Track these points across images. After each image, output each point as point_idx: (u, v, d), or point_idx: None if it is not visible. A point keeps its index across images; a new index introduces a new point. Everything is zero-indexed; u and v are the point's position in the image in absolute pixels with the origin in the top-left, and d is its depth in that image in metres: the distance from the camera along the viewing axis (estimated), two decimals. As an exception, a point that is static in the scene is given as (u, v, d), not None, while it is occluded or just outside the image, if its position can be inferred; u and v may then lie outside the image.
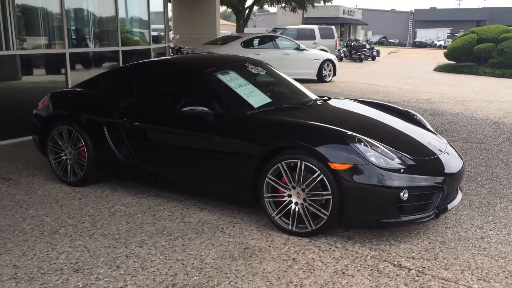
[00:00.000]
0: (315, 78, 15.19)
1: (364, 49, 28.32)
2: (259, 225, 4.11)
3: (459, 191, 4.28)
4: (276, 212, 3.94)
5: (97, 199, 4.72)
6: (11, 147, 6.72)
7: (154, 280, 3.23)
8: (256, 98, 4.50)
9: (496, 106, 10.82)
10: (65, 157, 5.09)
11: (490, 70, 18.51)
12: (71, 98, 5.33)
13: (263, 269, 3.38)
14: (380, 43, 61.39)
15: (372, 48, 29.93)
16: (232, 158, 4.14)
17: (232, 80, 4.61)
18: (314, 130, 3.91)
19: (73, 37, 8.53)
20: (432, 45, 64.17)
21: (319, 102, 4.93)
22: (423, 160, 3.93)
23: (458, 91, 13.45)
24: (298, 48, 14.90)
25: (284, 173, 3.83)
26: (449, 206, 4.00)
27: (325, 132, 3.87)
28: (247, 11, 24.90)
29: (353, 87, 14.19)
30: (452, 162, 4.13)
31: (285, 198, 3.89)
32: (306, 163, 3.72)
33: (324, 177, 3.66)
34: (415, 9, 76.58)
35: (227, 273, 3.32)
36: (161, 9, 11.62)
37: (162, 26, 11.61)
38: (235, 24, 27.51)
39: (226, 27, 45.08)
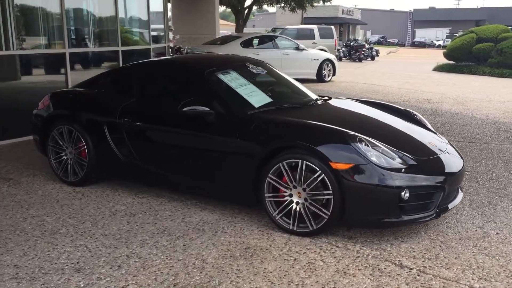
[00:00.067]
0: (315, 78, 15.19)
1: (363, 49, 28.32)
2: (260, 225, 4.11)
3: (460, 191, 4.28)
4: (277, 211, 3.94)
5: (97, 199, 4.72)
6: (11, 147, 6.72)
7: (155, 280, 3.23)
8: (257, 98, 4.50)
9: (495, 106, 10.83)
10: (65, 157, 5.09)
11: (489, 69, 18.53)
12: (71, 98, 5.33)
13: (265, 268, 3.38)
14: (379, 43, 61.42)
15: (371, 48, 29.92)
16: (233, 158, 4.14)
17: (233, 80, 4.62)
18: (315, 130, 3.91)
19: (73, 37, 8.53)
20: (431, 45, 64.21)
21: (319, 102, 4.93)
22: (424, 159, 3.93)
23: (458, 91, 13.46)
24: (297, 48, 14.90)
25: (285, 173, 3.83)
26: (450, 205, 4.01)
27: (326, 132, 3.87)
28: (246, 11, 24.91)
29: (352, 87, 14.19)
30: (452, 161, 4.13)
31: (286, 198, 3.89)
32: (307, 162, 3.72)
33: (325, 177, 3.67)
34: (414, 9, 76.65)
35: (228, 273, 3.32)
36: (160, 9, 11.61)
37: (162, 26, 11.60)
38: (234, 24, 27.53)
39: (225, 27, 45.13)
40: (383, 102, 5.37)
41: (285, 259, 3.51)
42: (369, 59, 29.09)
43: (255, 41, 14.85)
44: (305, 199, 3.80)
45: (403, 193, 3.61)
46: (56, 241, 3.79)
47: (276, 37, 15.41)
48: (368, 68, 22.44)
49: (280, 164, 3.84)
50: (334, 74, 15.78)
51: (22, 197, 4.77)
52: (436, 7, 79.80)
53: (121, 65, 8.87)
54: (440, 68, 20.64)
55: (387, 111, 4.98)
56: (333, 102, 5.05)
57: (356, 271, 3.35)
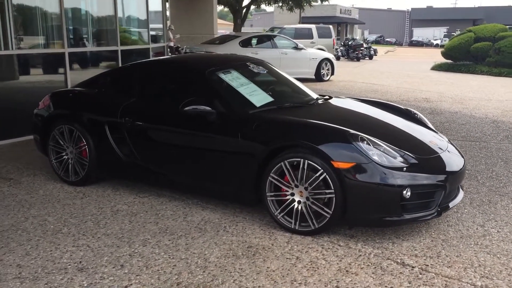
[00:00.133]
0: (313, 77, 15.21)
1: (361, 48, 28.36)
2: (262, 224, 4.12)
3: (461, 190, 4.30)
4: (279, 210, 3.94)
5: (99, 199, 4.72)
6: (11, 147, 6.71)
7: (158, 279, 3.23)
8: (258, 97, 4.51)
9: (494, 105, 10.86)
10: (66, 157, 5.09)
11: (487, 69, 18.56)
12: (72, 97, 5.33)
13: (267, 267, 3.39)
14: (377, 42, 61.42)
15: (370, 47, 29.98)
16: (235, 157, 4.14)
17: (234, 79, 4.62)
18: (317, 129, 3.92)
19: (72, 36, 8.52)
20: (428, 44, 64.29)
21: (320, 101, 4.94)
22: (425, 158, 3.95)
23: (456, 90, 13.48)
24: (296, 47, 14.91)
25: (287, 172, 3.84)
26: (451, 204, 4.02)
27: (328, 131, 3.88)
28: (244, 11, 24.92)
29: (351, 86, 14.21)
30: (453, 160, 4.14)
31: (288, 197, 3.90)
32: (309, 161, 3.73)
33: (327, 176, 3.68)
34: (411, 8, 76.73)
35: (231, 272, 3.33)
36: (159, 8, 11.61)
37: (161, 26, 11.60)
38: (232, 24, 27.52)
39: (223, 26, 45.07)
40: (383, 101, 5.38)
41: (287, 258, 3.52)
42: (367, 58, 29.12)
43: (254, 41, 14.85)
44: (307, 198, 3.81)
45: (404, 192, 3.62)
46: (58, 241, 3.79)
47: (275, 36, 15.42)
48: (366, 68, 22.46)
49: (282, 163, 3.84)
50: (332, 74, 15.80)
51: (23, 197, 4.77)
52: (433, 6, 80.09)
53: (120, 64, 8.87)
54: (438, 67, 20.67)
55: (388, 110, 4.99)
56: (334, 101, 5.06)
57: (358, 270, 3.36)
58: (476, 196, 4.85)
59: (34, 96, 6.14)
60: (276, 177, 3.90)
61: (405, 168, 3.70)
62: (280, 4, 26.55)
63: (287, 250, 3.64)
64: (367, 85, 14.67)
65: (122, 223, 4.14)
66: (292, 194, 3.87)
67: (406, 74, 18.58)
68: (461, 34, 21.81)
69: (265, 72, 5.17)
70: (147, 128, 4.65)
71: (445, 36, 62.23)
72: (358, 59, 27.78)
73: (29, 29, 8.06)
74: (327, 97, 5.17)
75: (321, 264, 3.44)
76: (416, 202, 3.73)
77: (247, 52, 12.96)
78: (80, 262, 3.46)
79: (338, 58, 26.04)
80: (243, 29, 26.03)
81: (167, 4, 18.04)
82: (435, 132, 4.74)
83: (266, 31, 25.32)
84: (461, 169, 4.11)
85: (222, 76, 4.64)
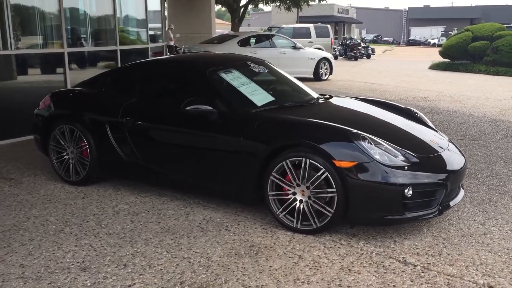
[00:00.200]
0: (312, 76, 15.23)
1: (359, 48, 28.39)
2: (264, 223, 4.12)
3: (461, 188, 4.32)
4: (280, 210, 3.95)
5: (100, 198, 4.72)
6: (11, 147, 6.71)
7: (161, 278, 3.24)
8: (259, 96, 4.51)
9: (492, 104, 10.89)
10: (67, 157, 5.09)
11: (485, 68, 18.61)
12: (73, 97, 5.33)
13: (270, 266, 3.40)
14: (374, 41, 61.52)
15: (367, 47, 30.00)
16: (236, 157, 4.15)
17: (235, 78, 4.63)
18: (319, 128, 3.93)
19: (72, 36, 8.52)
20: (426, 43, 64.38)
21: (321, 101, 4.95)
22: (426, 157, 3.96)
23: (454, 89, 13.51)
24: (294, 47, 14.92)
25: (289, 171, 3.85)
26: (451, 203, 4.04)
27: (330, 130, 3.89)
28: (242, 10, 24.92)
29: (349, 85, 14.23)
30: (454, 159, 4.16)
31: (289, 196, 3.91)
32: (311, 161, 3.74)
33: (328, 175, 3.69)
34: (408, 7, 76.78)
35: (234, 271, 3.33)
36: (158, 8, 11.61)
37: (159, 25, 11.60)
38: (229, 23, 27.55)
39: (220, 26, 45.08)
40: (383, 100, 5.39)
41: (289, 257, 3.53)
42: (365, 57, 29.15)
43: (252, 40, 14.85)
44: (309, 197, 3.82)
45: (406, 191, 3.63)
46: (60, 241, 3.80)
47: (273, 36, 15.43)
48: (364, 67, 22.49)
49: (284, 162, 3.85)
50: (331, 73, 15.82)
51: (24, 197, 4.77)
52: (430, 5, 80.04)
53: (119, 64, 8.87)
54: (436, 67, 20.71)
55: (388, 109, 5.00)
56: (335, 100, 5.07)
57: (360, 268, 3.37)
58: (477, 194, 4.87)
59: (34, 96, 6.14)
60: (278, 176, 3.91)
61: (406, 167, 3.71)
62: (278, 3, 26.57)
63: (289, 249, 3.65)
64: (366, 84, 14.69)
65: (124, 223, 4.14)
66: (294, 193, 3.89)
67: (404, 73, 18.61)
68: (458, 33, 21.86)
69: (266, 71, 5.18)
70: (148, 127, 4.66)
71: (442, 35, 62.35)
72: (356, 59, 27.81)
73: (28, 29, 8.05)
74: (327, 96, 5.19)
75: (324, 262, 3.45)
76: (417, 200, 3.75)
77: (246, 52, 12.97)
78: (83, 261, 3.46)
79: (336, 58, 26.03)
80: (241, 29, 26.02)
81: (165, 4, 18.04)
82: (436, 131, 4.75)
83: (264, 31, 25.32)
84: (461, 167, 4.12)
85: (223, 75, 4.65)
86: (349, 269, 3.36)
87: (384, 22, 76.11)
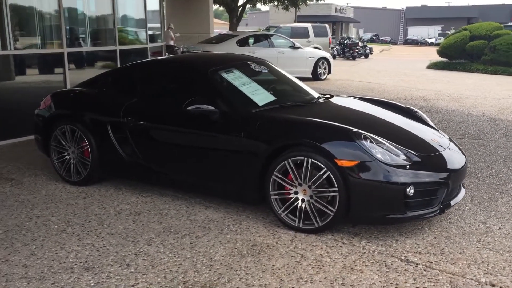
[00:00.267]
0: (310, 76, 15.24)
1: (357, 47, 28.43)
2: (265, 222, 4.13)
3: (462, 187, 4.33)
4: (282, 209, 3.96)
5: (101, 198, 4.73)
6: (11, 147, 6.70)
7: (165, 278, 3.25)
8: (261, 96, 4.52)
9: (491, 103, 10.91)
10: (68, 157, 5.09)
11: (482, 67, 18.64)
12: (73, 97, 5.33)
13: (273, 265, 3.40)
14: (372, 41, 61.55)
15: (365, 46, 30.03)
16: (238, 156, 4.16)
17: (236, 78, 4.64)
18: (320, 128, 3.94)
19: (71, 36, 8.51)
20: (423, 43, 64.44)
21: (321, 100, 4.96)
22: (427, 156, 3.97)
23: (453, 88, 13.54)
24: (293, 47, 14.94)
25: (291, 170, 3.86)
26: (452, 202, 4.05)
27: (331, 130, 3.90)
28: (240, 10, 24.92)
29: (348, 85, 14.25)
30: (455, 158, 4.18)
31: (291, 195, 3.92)
32: (313, 160, 3.75)
33: (330, 174, 3.70)
34: (406, 7, 76.91)
35: (237, 270, 3.34)
36: (156, 7, 11.61)
37: (158, 25, 11.61)
38: (227, 23, 27.57)
39: (218, 26, 45.02)
40: (384, 100, 5.40)
41: (292, 256, 3.54)
42: (363, 57, 29.18)
43: (251, 40, 14.87)
44: (311, 196, 3.83)
45: (408, 190, 3.65)
46: (63, 241, 3.80)
47: (272, 35, 15.44)
48: (362, 66, 22.51)
49: (286, 161, 3.86)
50: (329, 72, 15.84)
51: (25, 197, 4.77)
52: (428, 4, 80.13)
53: (118, 64, 8.87)
54: (434, 66, 20.75)
55: (388, 109, 5.02)
56: (335, 100, 5.08)
57: (363, 267, 3.38)
58: (477, 193, 4.89)
59: (34, 96, 6.15)
60: (279, 176, 3.92)
61: (408, 166, 3.73)
62: (276, 3, 26.59)
63: (291, 248, 3.66)
64: (364, 83, 14.71)
65: (126, 223, 4.15)
66: (296, 193, 3.90)
67: (402, 73, 18.64)
68: (456, 32, 21.89)
69: (267, 71, 5.19)
70: (150, 127, 4.66)
71: (439, 34, 62.44)
72: (354, 58, 27.84)
73: (27, 29, 8.05)
74: (328, 96, 5.20)
75: (326, 261, 3.46)
76: (419, 199, 3.76)
77: (245, 51, 12.99)
78: (86, 261, 3.47)
79: (334, 57, 26.06)
80: (238, 28, 26.03)
81: (164, 4, 18.04)
82: (436, 130, 4.77)
83: (262, 31, 25.32)
84: (462, 166, 4.14)
85: (224, 75, 4.66)
86: (351, 268, 3.37)
87: (381, 22, 76.20)
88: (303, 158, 3.79)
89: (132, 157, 4.77)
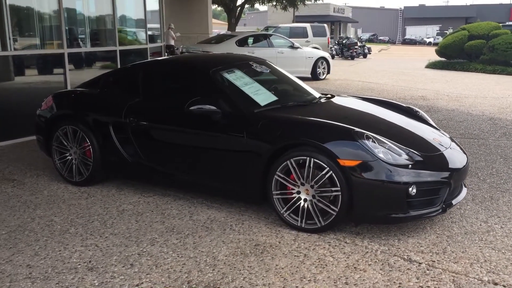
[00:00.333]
0: (310, 76, 15.26)
1: (355, 47, 28.47)
2: (268, 222, 4.15)
3: (464, 187, 4.35)
4: (285, 209, 3.97)
5: (104, 199, 4.73)
6: (12, 148, 6.71)
7: (169, 278, 3.25)
8: (263, 96, 4.54)
9: (490, 102, 10.94)
10: (70, 157, 5.10)
11: (481, 66, 18.67)
12: (75, 98, 5.33)
13: (276, 265, 3.42)
14: (370, 40, 61.61)
15: (364, 46, 30.08)
16: (240, 156, 4.17)
17: (238, 78, 4.65)
18: (322, 127, 3.95)
19: (71, 37, 8.52)
20: (421, 42, 64.53)
21: (323, 100, 4.97)
22: (429, 155, 3.99)
23: (452, 88, 13.57)
24: (292, 46, 14.96)
25: (293, 170, 3.87)
26: (454, 201, 4.05)
27: (333, 129, 3.91)
28: (238, 10, 24.92)
29: (347, 85, 14.26)
30: (457, 157, 4.19)
31: (294, 195, 3.93)
32: (315, 160, 3.76)
33: (333, 174, 3.71)
34: (404, 6, 77.07)
35: (240, 270, 3.35)
36: (156, 7, 11.62)
37: (158, 25, 11.62)
38: (225, 23, 27.55)
39: (216, 26, 45.01)
40: (384, 99, 5.42)
41: (295, 256, 3.55)
42: (361, 57, 29.23)
43: (250, 40, 14.89)
44: (313, 196, 3.84)
45: (410, 189, 3.66)
46: (66, 241, 3.81)
47: (271, 35, 15.45)
48: (361, 66, 22.54)
49: (288, 161, 3.87)
50: (328, 72, 15.86)
51: (27, 198, 4.78)
52: (426, 4, 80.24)
53: (119, 65, 8.88)
54: (433, 65, 20.80)
55: (390, 108, 5.03)
56: (336, 100, 5.09)
57: (366, 266, 3.40)
58: (478, 192, 4.90)
59: (34, 97, 6.16)
60: (282, 176, 3.93)
61: (410, 166, 3.74)
62: (274, 3, 26.60)
63: (294, 248, 3.67)
64: (363, 83, 14.73)
65: (128, 223, 4.15)
66: (298, 192, 3.91)
67: (401, 72, 18.67)
68: (455, 32, 21.93)
69: (268, 71, 5.20)
70: (152, 127, 4.67)
71: (437, 34, 62.51)
72: (352, 58, 27.88)
73: (28, 30, 8.05)
74: (329, 95, 5.21)
75: (329, 261, 3.47)
76: (421, 199, 3.77)
77: (244, 51, 13.01)
78: (90, 261, 3.47)
79: (332, 57, 26.08)
80: (237, 28, 26.04)
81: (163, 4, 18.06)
82: (438, 129, 4.78)
83: (261, 30, 25.33)
84: (464, 166, 4.15)
85: (226, 75, 4.67)
86: (354, 267, 3.39)
87: (379, 21, 76.33)
88: (305, 158, 3.80)
89: (134, 157, 4.78)
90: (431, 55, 24.06)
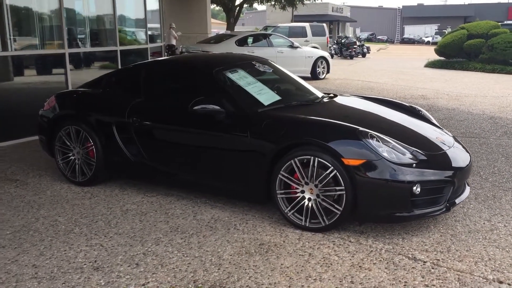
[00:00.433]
0: (309, 75, 15.26)
1: (354, 46, 28.52)
2: (272, 221, 4.15)
3: (467, 186, 4.36)
4: (289, 208, 3.98)
5: (107, 199, 4.74)
6: (14, 148, 6.71)
7: (174, 277, 3.26)
8: (266, 95, 4.54)
9: (490, 101, 10.96)
10: (73, 157, 5.10)
11: (480, 65, 18.69)
12: (78, 98, 5.33)
13: (281, 264, 3.42)
14: (368, 40, 61.64)
15: (362, 45, 30.14)
16: (244, 156, 4.17)
17: (241, 78, 4.66)
18: (326, 127, 3.96)
19: (72, 37, 8.51)
20: (420, 42, 64.61)
21: (325, 99, 4.98)
22: (433, 154, 4.00)
23: (452, 87, 13.58)
24: (292, 46, 14.97)
25: (297, 170, 3.87)
26: (457, 200, 4.06)
27: (338, 129, 3.92)
28: (237, 9, 24.93)
29: (347, 84, 14.28)
30: (460, 156, 4.20)
31: (298, 194, 3.94)
32: (319, 159, 3.77)
33: (337, 173, 3.71)
34: (402, 6, 77.09)
35: (246, 269, 3.36)
36: (156, 7, 11.62)
37: (158, 25, 11.62)
38: (224, 22, 27.56)
39: (215, 25, 44.93)
40: (387, 99, 5.43)
41: (300, 255, 3.56)
42: (360, 56, 29.28)
43: (250, 40, 14.89)
44: (317, 195, 3.85)
45: (414, 188, 3.67)
46: (71, 241, 3.81)
47: (270, 35, 15.46)
48: (360, 66, 22.56)
49: (292, 161, 3.88)
50: (328, 72, 15.88)
51: (31, 198, 4.78)
52: (424, 3, 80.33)
53: (119, 64, 8.88)
54: (432, 65, 20.82)
55: (392, 107, 5.04)
56: (339, 99, 5.10)
57: (371, 265, 3.41)
58: (481, 191, 4.91)
59: (36, 97, 6.15)
60: (286, 175, 3.94)
61: (414, 165, 3.75)
62: (273, 2, 26.61)
63: (299, 247, 3.68)
64: (363, 82, 14.75)
65: (132, 223, 4.16)
66: (302, 192, 3.91)
67: (400, 72, 18.69)
68: (454, 31, 21.95)
69: (271, 70, 5.21)
70: (155, 127, 4.68)
71: (436, 33, 62.57)
72: (351, 57, 27.91)
73: (28, 30, 8.05)
74: (332, 95, 5.22)
75: (334, 260, 3.48)
76: (425, 197, 3.78)
77: (244, 51, 13.01)
78: (95, 261, 3.48)
79: (331, 56, 26.08)
80: (235, 28, 26.04)
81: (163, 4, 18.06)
82: (440, 128, 4.79)
83: (260, 30, 25.33)
84: (467, 164, 4.16)
85: (230, 75, 4.67)
86: (359, 266, 3.39)
87: (378, 21, 76.38)
88: (309, 157, 3.81)
89: (137, 157, 4.78)
90: (430, 54, 24.09)
